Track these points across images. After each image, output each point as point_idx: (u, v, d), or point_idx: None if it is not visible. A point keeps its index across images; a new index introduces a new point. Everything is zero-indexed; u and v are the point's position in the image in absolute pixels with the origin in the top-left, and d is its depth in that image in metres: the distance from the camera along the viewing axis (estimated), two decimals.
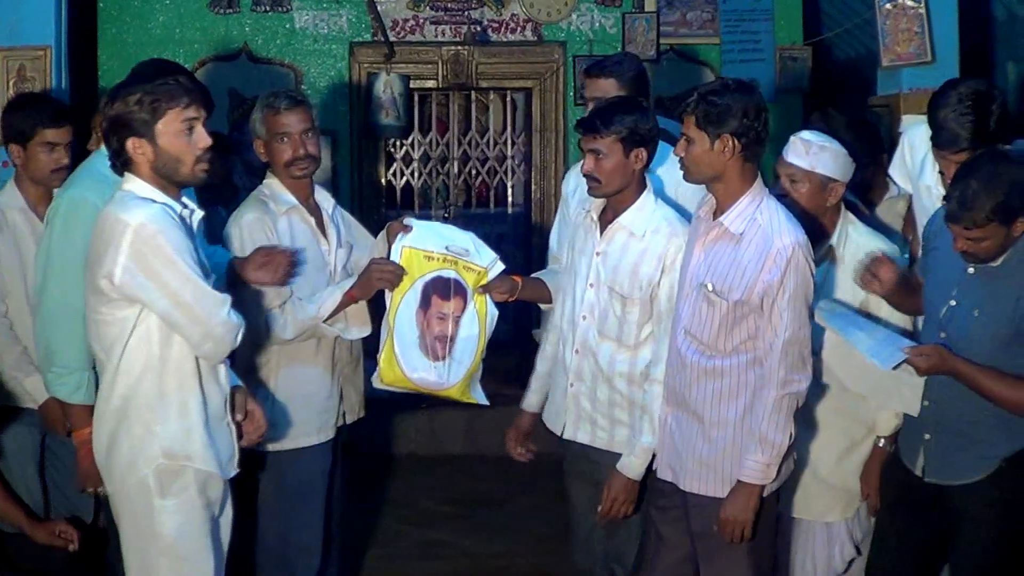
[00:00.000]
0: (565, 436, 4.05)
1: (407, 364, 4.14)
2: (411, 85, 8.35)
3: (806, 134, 3.97)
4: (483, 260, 4.19)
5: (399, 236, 4.14)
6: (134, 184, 3.41)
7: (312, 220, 4.26)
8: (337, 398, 4.32)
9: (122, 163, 3.42)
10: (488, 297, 4.18)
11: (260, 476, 4.23)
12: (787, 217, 3.56)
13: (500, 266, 4.21)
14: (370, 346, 4.37)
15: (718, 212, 3.61)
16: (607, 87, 4.34)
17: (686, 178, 3.69)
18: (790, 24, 8.38)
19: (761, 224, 3.53)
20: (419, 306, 4.14)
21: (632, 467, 3.86)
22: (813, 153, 3.89)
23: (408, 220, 4.22)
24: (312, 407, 4.25)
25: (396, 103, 8.10)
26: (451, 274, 4.15)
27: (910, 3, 6.22)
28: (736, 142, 3.50)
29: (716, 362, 3.59)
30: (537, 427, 4.28)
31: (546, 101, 8.52)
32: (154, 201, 3.36)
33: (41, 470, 4.46)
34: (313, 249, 4.22)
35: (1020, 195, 3.44)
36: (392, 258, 4.12)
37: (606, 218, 3.96)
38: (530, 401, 4.28)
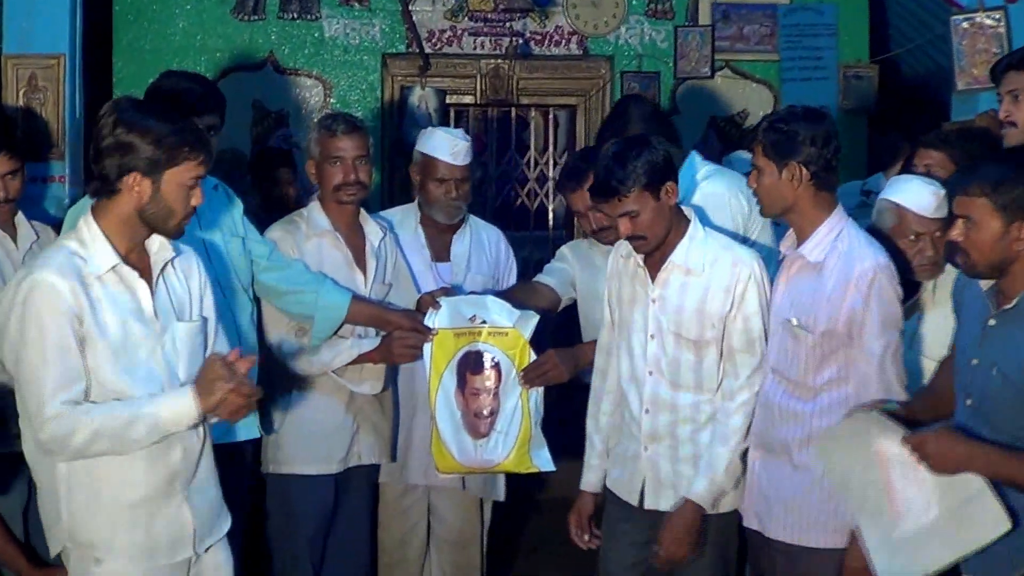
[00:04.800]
0: (647, 506, 3.82)
1: (457, 450, 4.17)
2: (447, 100, 8.10)
3: (932, 184, 3.74)
4: (508, 319, 4.17)
5: (429, 313, 4.15)
6: (86, 233, 3.20)
7: (347, 249, 4.30)
8: (349, 435, 4.25)
9: (107, 191, 3.21)
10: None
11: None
12: (867, 241, 3.52)
13: (530, 316, 4.14)
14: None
15: (798, 244, 3.60)
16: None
17: (763, 212, 3.70)
18: (855, 40, 8.09)
19: (841, 251, 3.50)
20: (456, 387, 4.16)
21: (699, 492, 3.68)
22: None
23: (438, 297, 4.21)
24: (316, 436, 4.24)
25: (431, 119, 7.81)
26: (481, 346, 4.17)
27: (988, 21, 5.88)
28: (803, 170, 3.50)
29: (802, 404, 3.53)
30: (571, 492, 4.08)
31: (591, 119, 8.15)
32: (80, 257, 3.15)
33: (25, 514, 4.26)
34: (344, 277, 4.25)
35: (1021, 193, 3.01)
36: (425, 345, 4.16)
37: (654, 261, 3.76)
38: (591, 480, 4.05)
